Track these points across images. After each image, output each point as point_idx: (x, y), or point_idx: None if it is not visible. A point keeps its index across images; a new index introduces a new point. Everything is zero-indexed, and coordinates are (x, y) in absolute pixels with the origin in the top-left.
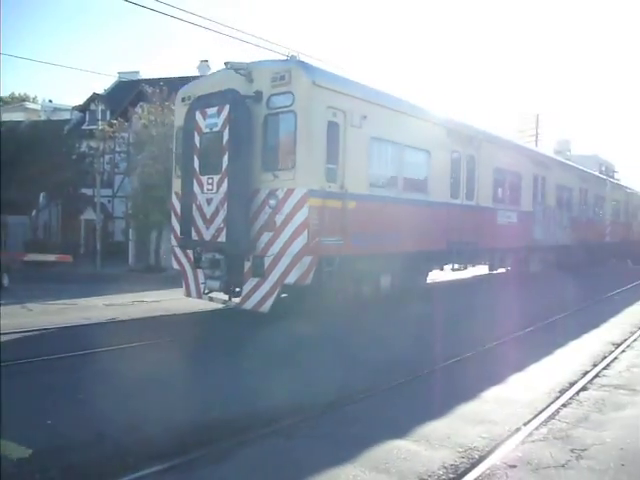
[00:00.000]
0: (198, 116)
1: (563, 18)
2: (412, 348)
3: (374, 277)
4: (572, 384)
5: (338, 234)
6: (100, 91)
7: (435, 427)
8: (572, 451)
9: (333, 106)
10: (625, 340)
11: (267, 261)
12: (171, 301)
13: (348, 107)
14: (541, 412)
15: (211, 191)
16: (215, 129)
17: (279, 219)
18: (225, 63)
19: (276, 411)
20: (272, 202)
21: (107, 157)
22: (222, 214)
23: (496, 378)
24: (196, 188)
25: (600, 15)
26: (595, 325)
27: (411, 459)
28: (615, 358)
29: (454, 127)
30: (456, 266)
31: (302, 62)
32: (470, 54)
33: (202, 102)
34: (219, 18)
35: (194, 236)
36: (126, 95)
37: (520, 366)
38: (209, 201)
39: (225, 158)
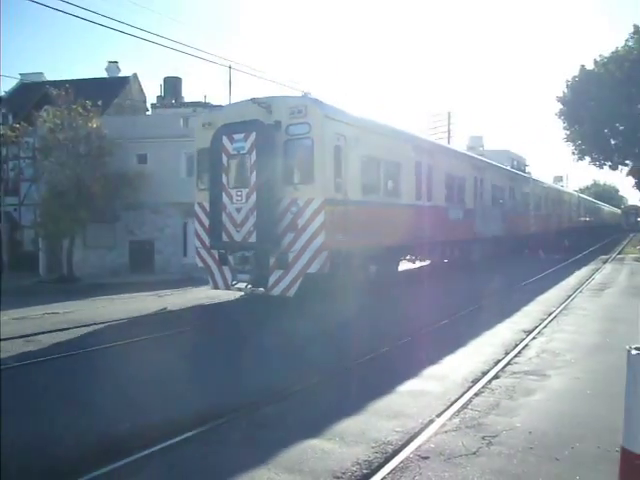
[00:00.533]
0: (225, 140)
1: (473, 20)
2: (332, 345)
3: (366, 266)
4: (485, 373)
5: (343, 232)
6: (0, 93)
7: (350, 424)
8: (483, 438)
9: (338, 132)
10: (536, 327)
11: (291, 256)
12: (82, 312)
13: (347, 133)
14: (454, 403)
15: (240, 201)
16: (242, 152)
17: (300, 222)
18: (252, 99)
19: (195, 416)
20: (294, 209)
21: (11, 163)
22: (252, 220)
23: (412, 372)
24: (225, 199)
25: (508, 16)
26: (508, 314)
27: (325, 458)
28: (526, 345)
29: (417, 143)
30: (408, 257)
31: (315, 99)
32: (385, 56)
33: (228, 129)
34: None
35: (224, 238)
36: (29, 98)
37: (435, 358)
38: (239, 210)
39: (253, 175)
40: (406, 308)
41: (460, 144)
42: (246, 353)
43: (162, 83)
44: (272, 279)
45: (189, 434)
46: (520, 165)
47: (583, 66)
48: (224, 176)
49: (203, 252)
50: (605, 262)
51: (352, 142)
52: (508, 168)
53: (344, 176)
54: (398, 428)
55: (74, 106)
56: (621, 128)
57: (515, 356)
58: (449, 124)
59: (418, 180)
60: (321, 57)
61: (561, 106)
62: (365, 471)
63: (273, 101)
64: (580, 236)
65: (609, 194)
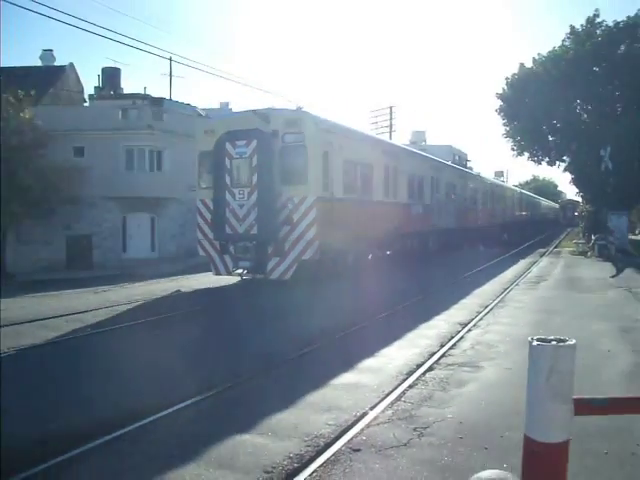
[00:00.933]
0: (228, 146)
1: (416, 17)
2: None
3: (345, 254)
4: (419, 365)
5: (330, 225)
6: None
7: (283, 418)
8: (415, 430)
9: (326, 140)
10: (472, 320)
11: (287, 245)
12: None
13: (333, 140)
14: (388, 395)
15: (243, 199)
16: (244, 156)
17: (296, 217)
18: (253, 111)
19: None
20: (290, 205)
21: None
22: (253, 214)
23: (348, 365)
24: (228, 197)
25: (453, 14)
26: (446, 307)
27: (257, 453)
28: (461, 337)
29: (385, 147)
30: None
31: (308, 112)
32: (328, 53)
33: (231, 136)
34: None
35: (228, 231)
36: None
37: (372, 351)
38: (241, 206)
39: (255, 176)
40: (356, 298)
41: (402, 139)
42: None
43: (100, 74)
44: (270, 265)
45: (118, 433)
46: (462, 160)
47: (522, 64)
48: (227, 176)
49: (205, 243)
50: (542, 255)
51: (336, 148)
52: (459, 167)
53: (330, 177)
54: (331, 421)
55: (4, 95)
56: (558, 125)
57: (450, 348)
58: (391, 119)
59: (386, 180)
60: (265, 50)
61: (501, 103)
62: (296, 465)
63: (271, 113)
64: (520, 230)
65: (548, 189)
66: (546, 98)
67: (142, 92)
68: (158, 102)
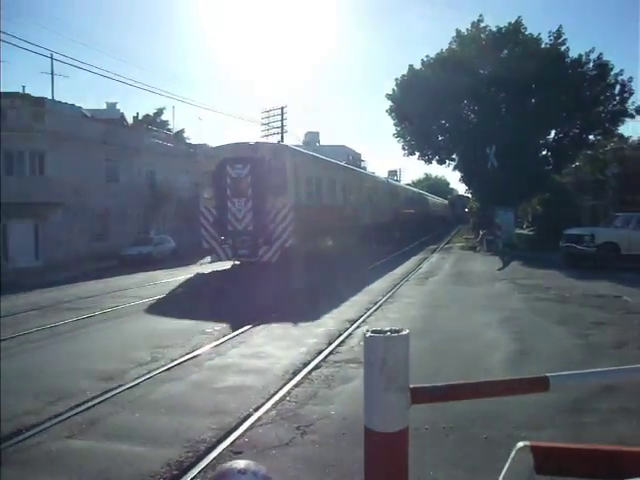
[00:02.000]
0: (228, 168)
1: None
2: None
3: (310, 246)
4: (306, 364)
5: (299, 222)
6: None
7: (165, 425)
8: (298, 428)
9: (296, 164)
10: (361, 316)
11: (273, 237)
12: None
13: (299, 163)
14: (273, 395)
15: (240, 206)
16: (241, 176)
17: (279, 217)
18: (246, 143)
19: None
20: (275, 210)
21: None
22: (249, 217)
23: (234, 367)
24: (229, 204)
25: (344, 18)
26: (336, 304)
27: (135, 463)
28: (350, 334)
29: (327, 164)
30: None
31: (287, 145)
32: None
33: (229, 160)
34: None
35: (229, 229)
36: None
37: (258, 352)
38: (239, 210)
39: (249, 190)
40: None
41: (294, 140)
42: None
43: None
44: (261, 252)
45: None
46: (356, 160)
47: (411, 66)
48: (228, 190)
49: (208, 238)
50: (433, 252)
51: (302, 169)
52: (375, 175)
53: (299, 189)
54: (214, 425)
55: None
56: (447, 125)
57: (338, 345)
58: (282, 119)
59: (330, 188)
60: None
61: (391, 103)
62: (175, 472)
63: (260, 145)
64: (413, 227)
65: (440, 187)
66: (434, 99)
67: (21, 91)
68: (39, 102)
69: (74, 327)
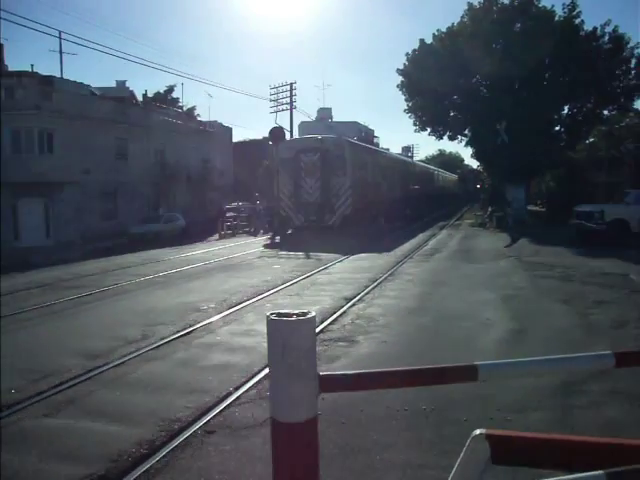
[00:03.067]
0: (302, 155)
1: None
2: None
3: (360, 214)
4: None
5: (354, 197)
6: None
7: (141, 403)
8: None
9: (352, 153)
10: (358, 294)
11: (335, 207)
12: None
13: (355, 152)
14: (255, 375)
15: (311, 184)
16: (312, 161)
17: (340, 193)
18: (316, 137)
19: None
20: (337, 187)
21: None
22: (318, 192)
23: (224, 345)
24: (302, 183)
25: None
26: (334, 282)
27: (106, 441)
28: (344, 312)
29: (375, 152)
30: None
31: (346, 139)
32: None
33: (303, 150)
34: None
35: (303, 200)
36: None
37: (249, 330)
38: (311, 187)
39: (318, 172)
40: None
41: (304, 117)
42: None
43: None
44: (326, 218)
45: None
46: (368, 136)
47: (422, 40)
48: (302, 172)
49: (286, 208)
50: (442, 229)
51: (356, 156)
52: (396, 154)
53: (354, 171)
54: (191, 404)
55: None
56: (458, 101)
57: (330, 324)
58: (291, 96)
59: (373, 170)
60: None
61: (402, 79)
62: (144, 451)
63: (325, 139)
64: (425, 204)
65: (454, 163)
66: (445, 74)
67: (29, 70)
68: (47, 81)
69: (70, 305)
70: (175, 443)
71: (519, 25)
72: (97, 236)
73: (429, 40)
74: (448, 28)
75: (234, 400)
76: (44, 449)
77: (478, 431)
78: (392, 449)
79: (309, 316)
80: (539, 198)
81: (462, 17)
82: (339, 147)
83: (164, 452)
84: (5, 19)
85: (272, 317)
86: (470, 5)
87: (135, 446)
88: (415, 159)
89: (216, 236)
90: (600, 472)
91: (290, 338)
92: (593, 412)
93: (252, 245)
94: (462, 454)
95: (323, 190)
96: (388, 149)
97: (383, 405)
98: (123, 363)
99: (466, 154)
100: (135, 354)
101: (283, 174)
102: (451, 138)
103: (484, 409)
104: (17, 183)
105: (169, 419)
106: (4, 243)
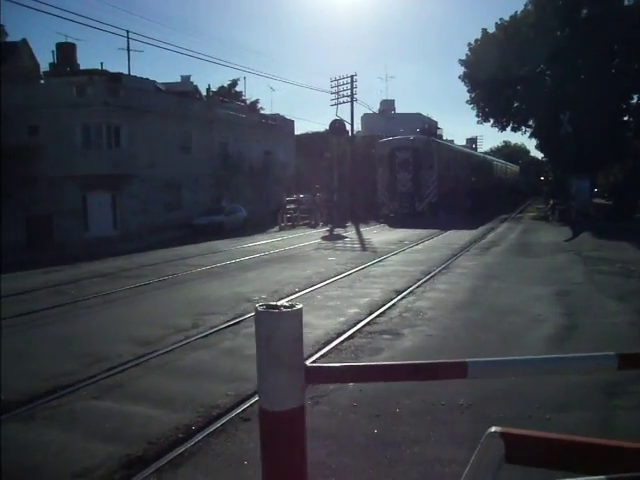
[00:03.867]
0: (396, 152)
1: None
2: None
3: (443, 202)
4: (340, 334)
5: (440, 187)
6: None
7: (184, 390)
8: (311, 399)
9: (438, 151)
10: (409, 287)
11: (424, 195)
12: None
13: (441, 150)
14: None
15: (404, 177)
16: (405, 158)
17: (428, 183)
18: (412, 139)
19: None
20: (426, 179)
21: None
22: (410, 183)
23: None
24: (397, 176)
25: None
26: (387, 275)
27: (147, 425)
28: (393, 305)
29: (455, 149)
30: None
31: (434, 139)
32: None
33: (397, 148)
34: None
35: (397, 191)
36: None
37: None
38: (405, 179)
39: (411, 167)
40: None
41: (365, 109)
42: None
43: (55, 50)
44: (417, 205)
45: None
46: (432, 128)
47: (485, 30)
48: (397, 166)
49: (383, 197)
50: (503, 222)
51: (442, 153)
52: (468, 149)
53: (440, 166)
54: (231, 392)
55: None
56: (522, 91)
57: (378, 316)
58: (352, 88)
59: (452, 165)
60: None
61: (464, 69)
62: (181, 435)
63: (416, 139)
64: (490, 197)
65: (519, 155)
66: (509, 63)
67: (99, 68)
68: (116, 78)
69: (128, 294)
70: (211, 429)
71: (585, 11)
72: (162, 227)
73: (492, 29)
74: (511, 17)
75: None
76: (90, 429)
77: (493, 429)
78: (422, 442)
79: (295, 308)
80: (606, 190)
81: (526, 5)
82: (428, 146)
83: (199, 437)
84: (76, 21)
85: (259, 308)
86: None
87: (173, 430)
88: (479, 151)
89: (276, 228)
90: (602, 477)
91: (275, 329)
92: (638, 414)
93: (310, 237)
94: (476, 451)
95: (414, 182)
96: (452, 140)
97: (420, 398)
98: (171, 351)
99: (531, 145)
100: (184, 342)
101: (380, 168)
102: (514, 129)
103: (524, 406)
104: (87, 176)
105: (208, 405)
106: (75, 232)
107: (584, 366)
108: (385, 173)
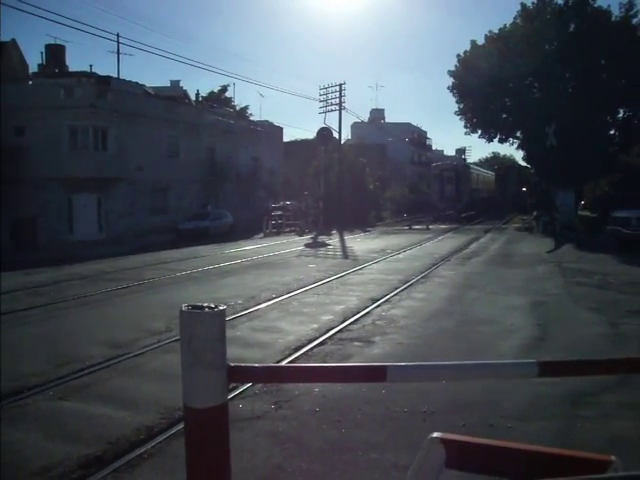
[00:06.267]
0: (444, 172)
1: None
2: None
3: (471, 207)
4: (311, 340)
5: (470, 198)
6: None
7: (150, 392)
8: (275, 403)
9: (467, 172)
10: (385, 295)
11: (460, 203)
12: None
13: (471, 171)
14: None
15: (450, 191)
16: (449, 176)
17: (463, 195)
18: (455, 163)
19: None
20: (462, 191)
21: None
22: (452, 195)
23: (242, 340)
24: (444, 189)
25: None
26: (364, 283)
27: (110, 426)
28: (367, 313)
29: (473, 170)
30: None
31: (467, 163)
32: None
33: (443, 170)
34: None
35: (445, 199)
36: None
37: (268, 326)
38: (450, 191)
39: (454, 183)
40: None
41: (353, 118)
42: None
43: (43, 51)
44: (456, 206)
45: None
46: (421, 138)
47: (474, 41)
48: (444, 182)
49: (436, 201)
50: (487, 232)
51: (472, 173)
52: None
53: (471, 181)
54: None
55: None
56: (510, 103)
57: (351, 323)
58: (340, 96)
59: (476, 180)
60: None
61: (453, 80)
62: (142, 437)
63: (457, 163)
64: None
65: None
66: (497, 76)
67: (88, 70)
68: (105, 80)
69: (106, 297)
70: (172, 431)
71: (573, 26)
72: (147, 231)
73: (481, 41)
74: (500, 29)
75: (237, 394)
76: (52, 429)
77: (435, 434)
78: (380, 448)
79: (218, 309)
80: (592, 203)
81: (515, 18)
82: (463, 168)
83: (160, 439)
84: (65, 24)
85: (184, 309)
86: (523, 6)
87: (134, 431)
88: (468, 162)
89: (261, 234)
90: None
91: (198, 329)
92: (600, 425)
93: (293, 244)
94: (417, 457)
95: (456, 193)
96: (442, 151)
97: (383, 406)
98: (143, 353)
99: (519, 157)
100: (155, 345)
101: (434, 183)
102: (502, 141)
103: (489, 415)
104: (73, 178)
105: (172, 408)
106: (60, 235)
107: (505, 372)
108: (437, 186)
